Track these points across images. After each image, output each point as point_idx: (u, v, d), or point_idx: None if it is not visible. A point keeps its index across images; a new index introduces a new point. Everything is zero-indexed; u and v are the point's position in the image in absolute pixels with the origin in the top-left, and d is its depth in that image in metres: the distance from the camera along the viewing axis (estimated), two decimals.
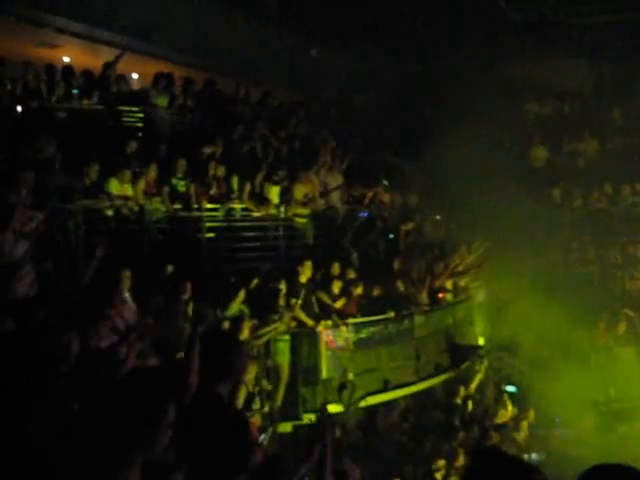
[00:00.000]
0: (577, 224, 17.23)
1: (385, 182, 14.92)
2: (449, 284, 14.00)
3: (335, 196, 13.63)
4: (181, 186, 11.49)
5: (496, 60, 18.27)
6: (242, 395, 8.54)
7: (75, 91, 12.22)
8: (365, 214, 13.96)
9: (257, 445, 8.53)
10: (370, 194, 14.42)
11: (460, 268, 14.06)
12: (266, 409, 9.80)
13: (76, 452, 2.98)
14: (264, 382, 9.93)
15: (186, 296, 9.09)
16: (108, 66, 12.60)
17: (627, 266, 16.36)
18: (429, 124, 17.07)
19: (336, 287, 11.45)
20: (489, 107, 17.97)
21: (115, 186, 10.66)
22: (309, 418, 10.32)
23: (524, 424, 13.18)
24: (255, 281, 10.45)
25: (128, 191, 10.79)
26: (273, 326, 10.00)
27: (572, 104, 20.21)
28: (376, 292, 12.17)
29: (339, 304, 11.39)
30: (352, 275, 11.98)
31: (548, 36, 18.09)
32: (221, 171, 12.04)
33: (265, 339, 9.99)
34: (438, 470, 10.92)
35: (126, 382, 3.24)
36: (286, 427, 10.25)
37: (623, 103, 19.58)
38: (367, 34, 17.71)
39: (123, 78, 13.02)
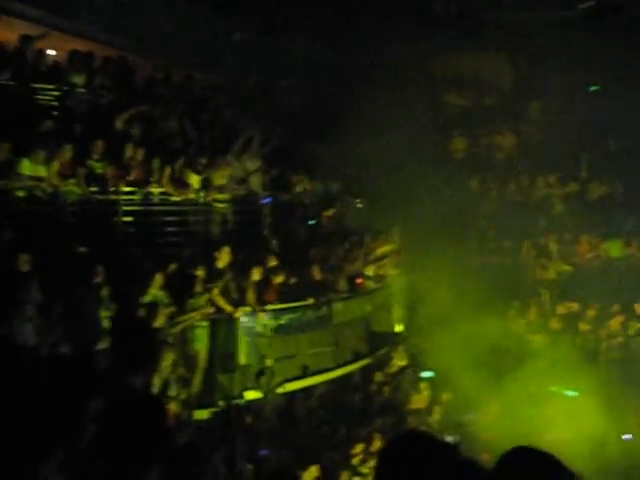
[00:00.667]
0: (493, 215, 17.70)
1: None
2: (369, 271, 14.14)
3: (255, 182, 13.53)
4: (98, 168, 11.18)
5: (419, 51, 18.47)
6: (158, 382, 8.43)
7: None
8: (269, 199, 13.78)
9: (173, 433, 8.47)
10: (292, 180, 14.41)
11: (378, 255, 14.22)
12: (183, 396, 9.68)
13: None
14: (181, 369, 9.81)
15: (99, 280, 8.87)
16: (27, 41, 12.08)
17: (539, 256, 16.91)
18: (351, 112, 17.15)
19: (256, 274, 11.35)
20: (411, 97, 18.21)
21: (27, 166, 10.29)
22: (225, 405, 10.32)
23: (437, 408, 13.45)
24: (173, 267, 10.29)
25: (41, 172, 10.43)
26: (190, 315, 9.89)
27: (491, 97, 20.67)
28: (295, 279, 12.17)
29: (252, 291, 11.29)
30: (272, 262, 11.95)
31: (469, 30, 18.37)
32: (140, 154, 11.77)
33: (182, 327, 9.87)
34: (355, 455, 11.05)
35: (46, 374, 3.14)
36: (202, 414, 10.15)
37: (540, 98, 20.18)
38: (293, 19, 17.62)
39: (41, 54, 12.52)
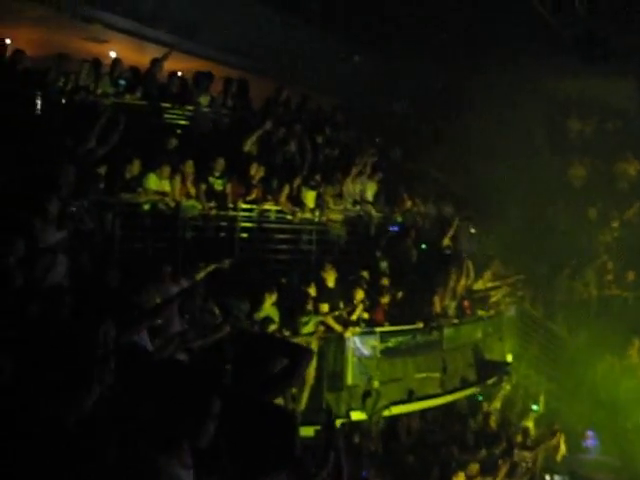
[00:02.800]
0: (613, 245, 17.00)
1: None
2: (480, 297, 13.92)
3: (370, 203, 13.65)
4: (218, 185, 11.57)
5: (541, 75, 18.10)
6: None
7: (122, 82, 12.32)
8: (396, 228, 13.91)
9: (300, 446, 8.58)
10: (406, 204, 14.41)
11: (491, 282, 13.97)
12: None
13: (122, 440, 3.07)
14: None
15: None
16: (156, 63, 12.72)
17: None
18: (466, 134, 16.97)
19: (358, 295, 11.37)
20: (530, 120, 17.85)
21: (153, 181, 10.77)
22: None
23: (543, 444, 12.98)
24: (285, 283, 10.50)
25: (166, 187, 10.90)
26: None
27: (615, 123, 19.95)
28: (406, 302, 12.13)
29: (358, 312, 11.30)
30: (382, 283, 11.96)
31: (594, 53, 17.82)
32: (260, 172, 12.10)
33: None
34: None
35: (173, 373, 3.33)
36: (309, 431, 10.22)
37: None
38: (410, 43, 17.67)
39: (175, 76, 13.10)
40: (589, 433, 14.29)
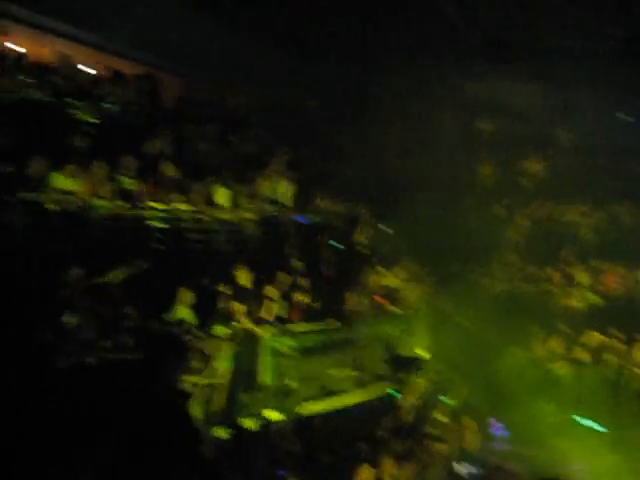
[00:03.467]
0: (519, 241, 17.63)
1: None
2: (394, 295, 14.13)
3: (284, 202, 13.64)
4: (129, 184, 11.32)
5: (452, 76, 18.54)
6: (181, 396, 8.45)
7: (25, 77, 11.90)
8: (304, 220, 13.91)
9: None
10: (319, 202, 14.49)
11: (403, 279, 14.22)
12: (203, 414, 9.70)
13: None
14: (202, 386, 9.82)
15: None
16: (61, 57, 12.33)
17: (565, 284, 16.77)
18: (378, 134, 17.18)
19: (273, 293, 11.38)
20: (441, 121, 18.26)
21: (60, 180, 10.45)
22: (247, 424, 10.31)
23: (456, 435, 13.32)
24: (203, 283, 10.38)
25: (73, 186, 10.58)
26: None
27: (521, 124, 20.65)
28: (320, 300, 12.19)
29: (276, 311, 11.32)
30: (297, 282, 11.99)
31: (501, 55, 18.39)
32: (172, 171, 11.92)
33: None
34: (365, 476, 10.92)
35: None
36: (222, 432, 10.15)
37: (571, 125, 20.13)
38: (326, 41, 17.77)
39: (75, 70, 12.75)
40: (496, 423, 14.75)
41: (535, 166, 19.68)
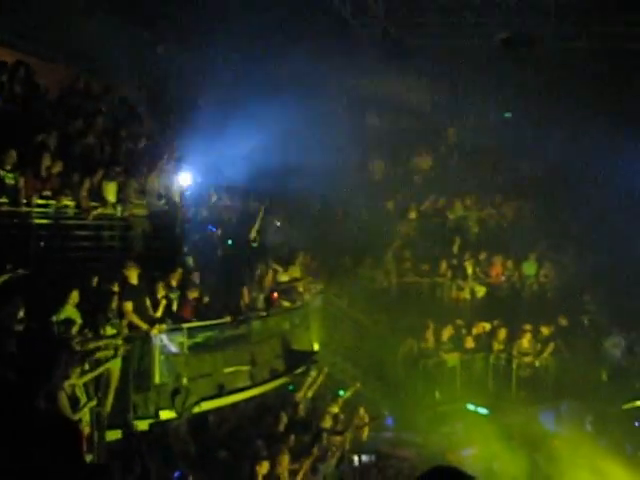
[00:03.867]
0: (410, 236, 18.08)
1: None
2: (286, 289, 14.16)
3: (175, 197, 13.38)
4: (9, 178, 10.77)
5: (343, 72, 18.71)
6: (67, 402, 8.13)
7: None
8: (214, 229, 13.80)
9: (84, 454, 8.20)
10: (213, 198, 14.35)
11: (296, 273, 14.28)
12: (93, 416, 9.38)
13: None
14: (93, 388, 9.50)
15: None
16: None
17: (455, 277, 17.34)
18: (279, 130, 17.17)
19: (164, 291, 11.15)
20: (333, 117, 18.42)
21: None
22: (140, 425, 10.06)
23: (351, 427, 13.53)
24: (93, 281, 10.02)
25: None
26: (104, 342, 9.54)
27: (410, 120, 21.14)
28: (212, 296, 12.05)
29: (169, 309, 11.11)
30: (189, 279, 11.82)
31: (392, 54, 18.74)
32: (57, 166, 11.42)
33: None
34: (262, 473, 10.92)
35: None
36: (115, 435, 9.86)
37: (458, 122, 20.82)
38: (215, 33, 17.51)
39: None
40: (387, 413, 15.13)
41: (425, 162, 20.22)
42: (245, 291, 12.58)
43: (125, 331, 10.10)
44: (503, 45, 17.56)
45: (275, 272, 13.90)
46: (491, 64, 18.67)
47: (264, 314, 13.00)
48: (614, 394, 15.91)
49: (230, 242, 13.93)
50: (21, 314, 8.43)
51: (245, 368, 12.23)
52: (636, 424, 16.36)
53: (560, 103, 18.54)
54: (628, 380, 16.43)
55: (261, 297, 13.08)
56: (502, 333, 16.22)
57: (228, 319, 11.94)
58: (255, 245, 14.26)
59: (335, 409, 13.87)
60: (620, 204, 17.03)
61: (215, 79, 18.25)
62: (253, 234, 14.26)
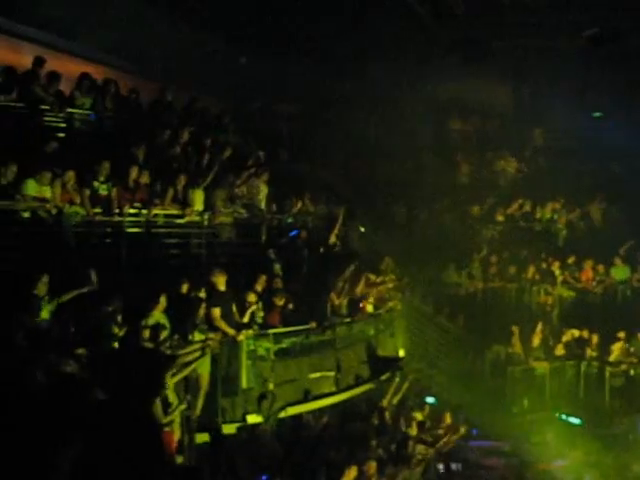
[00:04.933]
0: (497, 240, 17.74)
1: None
2: (372, 295, 14.11)
3: (261, 205, 13.60)
4: (103, 190, 11.19)
5: (422, 77, 18.62)
6: (159, 406, 8.35)
7: None
8: (295, 232, 13.91)
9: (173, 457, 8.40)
10: (296, 205, 14.48)
11: (381, 279, 14.22)
12: (184, 419, 9.59)
13: None
14: (183, 392, 9.72)
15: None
16: (36, 62, 12.16)
17: (542, 281, 16.91)
18: (354, 137, 17.22)
19: (251, 297, 11.30)
20: (414, 122, 18.31)
21: (32, 187, 10.29)
22: (228, 429, 10.23)
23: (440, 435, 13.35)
24: (184, 287, 10.28)
25: (46, 193, 10.43)
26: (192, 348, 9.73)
27: (494, 123, 20.80)
28: (299, 302, 12.13)
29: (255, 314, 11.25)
30: (276, 285, 11.95)
31: (472, 56, 18.51)
32: (145, 176, 11.80)
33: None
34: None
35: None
36: (204, 438, 10.06)
37: (543, 124, 20.33)
38: (297, 44, 17.74)
39: (56, 77, 12.51)
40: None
41: (511, 165, 19.83)
42: (329, 297, 12.60)
43: (213, 336, 10.28)
44: (589, 43, 17.07)
45: (367, 278, 13.87)
46: (577, 63, 18.17)
47: (349, 320, 12.99)
48: None
49: (315, 247, 13.96)
50: (119, 318, 8.75)
51: (330, 374, 12.25)
52: None
53: None
54: None
55: (345, 303, 13.08)
56: (594, 340, 15.69)
57: (313, 325, 12.00)
58: (337, 250, 14.28)
59: (420, 416, 13.74)
60: None
61: (297, 90, 18.51)
62: (332, 239, 14.23)
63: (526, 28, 18.56)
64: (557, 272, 16.90)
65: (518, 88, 20.83)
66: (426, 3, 17.42)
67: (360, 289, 13.81)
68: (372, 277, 14.06)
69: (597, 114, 20.06)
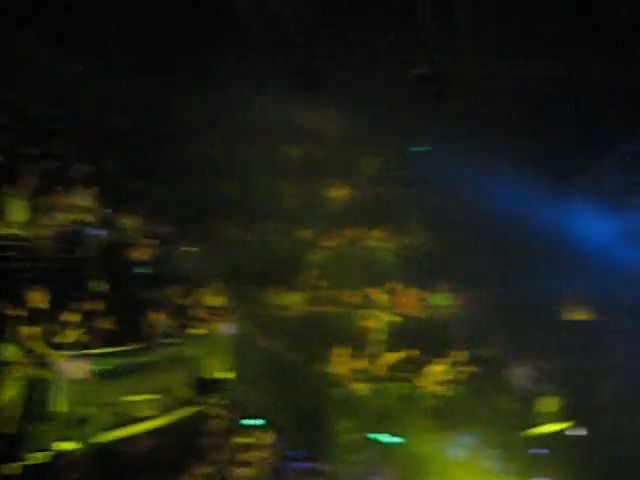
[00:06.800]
0: (323, 265, 18.15)
1: None
2: (199, 317, 13.91)
3: (83, 219, 13.00)
4: None
5: (260, 99, 18.71)
6: None
7: None
8: (100, 231, 13.30)
9: None
10: (124, 221, 14.00)
11: (207, 301, 14.07)
12: None
13: None
14: None
15: None
16: None
17: (367, 306, 17.50)
18: (185, 155, 16.99)
19: (70, 315, 10.76)
20: (245, 144, 18.38)
21: None
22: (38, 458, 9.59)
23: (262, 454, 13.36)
24: None
25: None
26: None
27: (327, 150, 21.31)
28: (121, 322, 11.68)
29: (73, 335, 10.70)
30: (97, 304, 11.46)
31: (311, 83, 18.89)
32: None
33: None
34: None
35: None
36: (13, 468, 9.34)
37: (374, 154, 21.14)
38: (134, 56, 17.25)
39: None
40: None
41: (340, 192, 20.40)
42: (154, 318, 12.25)
43: (25, 357, 9.65)
44: (419, 81, 17.97)
45: (194, 299, 13.64)
46: (410, 98, 19.06)
47: (174, 341, 12.69)
48: (516, 423, 16.40)
49: (141, 265, 13.55)
50: None
51: (153, 396, 11.87)
52: (536, 452, 16.88)
53: (475, 141, 19.01)
54: (530, 409, 16.99)
55: (171, 324, 12.78)
56: (412, 363, 16.42)
57: (136, 346, 11.60)
58: (167, 271, 13.98)
59: (243, 440, 13.67)
60: (527, 240, 17.67)
61: (130, 101, 17.92)
62: (165, 258, 13.93)
63: (364, 61, 19.26)
64: (380, 297, 17.56)
65: (353, 117, 21.47)
66: (268, 27, 17.57)
67: (187, 309, 13.58)
68: (199, 297, 13.85)
69: (422, 148, 21.16)
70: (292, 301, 17.12)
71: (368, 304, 17.51)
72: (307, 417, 15.41)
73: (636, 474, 15.95)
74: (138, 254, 13.51)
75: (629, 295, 17.99)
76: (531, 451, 16.43)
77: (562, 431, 17.38)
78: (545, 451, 16.58)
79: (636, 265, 17.61)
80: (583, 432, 17.13)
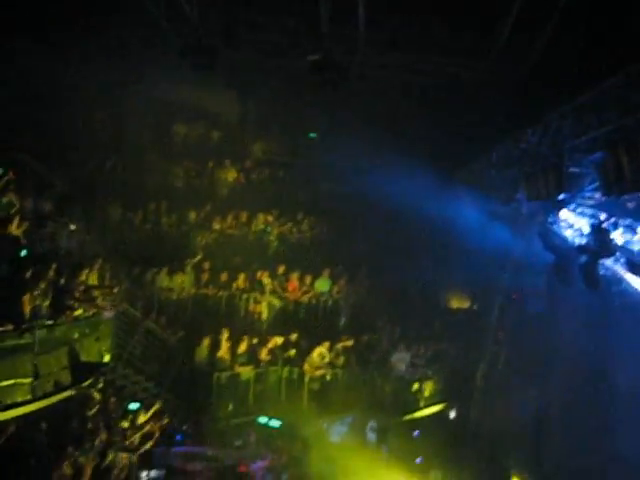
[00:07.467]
0: (211, 248, 18.01)
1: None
2: (79, 297, 13.44)
3: None
4: None
5: (150, 78, 18.24)
6: None
7: None
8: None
9: None
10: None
11: (90, 281, 13.64)
12: None
13: None
14: None
15: None
16: None
17: (252, 290, 17.52)
18: (80, 132, 16.35)
19: None
20: (139, 123, 17.90)
21: None
22: None
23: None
24: None
25: None
26: None
27: (218, 131, 21.08)
28: None
29: None
30: None
31: (201, 62, 18.57)
32: None
33: None
34: None
35: None
36: None
37: (263, 139, 21.09)
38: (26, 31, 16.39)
39: None
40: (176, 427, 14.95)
41: (230, 175, 20.24)
42: (27, 299, 11.69)
43: None
44: (312, 67, 18.00)
45: (74, 279, 13.12)
46: (298, 84, 19.08)
47: (50, 323, 12.20)
48: (397, 406, 16.99)
49: (24, 254, 12.84)
50: None
51: (26, 380, 11.39)
52: (415, 434, 17.55)
53: (366, 130, 19.25)
54: (410, 393, 17.63)
55: (46, 305, 12.24)
56: (295, 347, 16.63)
57: (9, 327, 11.08)
58: (45, 250, 13.38)
59: (125, 424, 13.43)
60: (411, 229, 18.16)
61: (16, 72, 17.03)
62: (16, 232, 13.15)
63: (257, 45, 19.07)
64: (266, 281, 17.61)
65: (244, 101, 21.29)
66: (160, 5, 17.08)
67: (68, 290, 13.08)
68: (81, 277, 13.38)
69: (312, 134, 21.30)
70: (178, 283, 16.89)
71: (254, 288, 17.53)
72: (191, 400, 15.33)
73: (502, 449, 16.99)
74: (13, 230, 12.81)
75: (504, 283, 18.93)
76: (411, 432, 17.13)
77: (439, 413, 18.22)
78: (420, 432, 17.34)
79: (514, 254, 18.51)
80: (454, 414, 18.10)
